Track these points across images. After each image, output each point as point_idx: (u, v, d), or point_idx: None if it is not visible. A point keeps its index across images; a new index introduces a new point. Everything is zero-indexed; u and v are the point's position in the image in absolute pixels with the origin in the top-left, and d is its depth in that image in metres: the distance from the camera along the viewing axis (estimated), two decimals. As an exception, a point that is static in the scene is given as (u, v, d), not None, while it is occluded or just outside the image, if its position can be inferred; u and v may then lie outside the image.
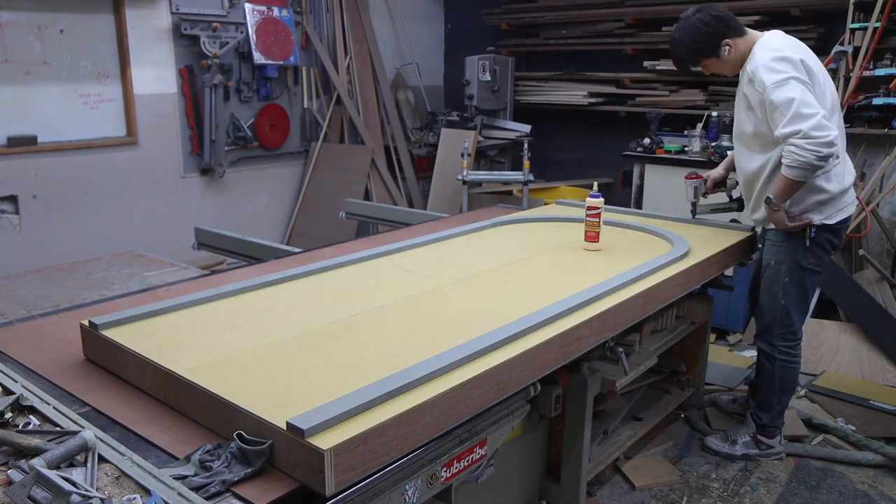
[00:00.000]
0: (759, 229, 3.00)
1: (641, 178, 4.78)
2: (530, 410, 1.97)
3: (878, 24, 4.01)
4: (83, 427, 1.43)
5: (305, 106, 5.71)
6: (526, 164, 4.73)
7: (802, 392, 3.58)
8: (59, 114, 4.37)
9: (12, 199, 4.21)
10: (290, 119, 5.57)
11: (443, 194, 5.67)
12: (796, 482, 2.87)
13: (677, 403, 3.28)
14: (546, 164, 6.06)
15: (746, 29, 2.68)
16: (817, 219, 2.66)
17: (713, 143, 4.55)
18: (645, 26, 5.29)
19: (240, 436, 1.36)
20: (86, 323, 1.84)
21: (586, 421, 2.41)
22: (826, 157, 2.41)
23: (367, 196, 5.68)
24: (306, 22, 5.62)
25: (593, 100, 5.55)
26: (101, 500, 1.17)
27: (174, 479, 1.27)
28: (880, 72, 4.07)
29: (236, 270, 2.76)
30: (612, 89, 5.52)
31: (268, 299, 2.13)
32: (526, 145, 4.84)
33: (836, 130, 2.44)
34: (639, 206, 4.76)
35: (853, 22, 4.13)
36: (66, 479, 1.19)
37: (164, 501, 1.20)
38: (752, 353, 4.18)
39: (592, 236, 2.72)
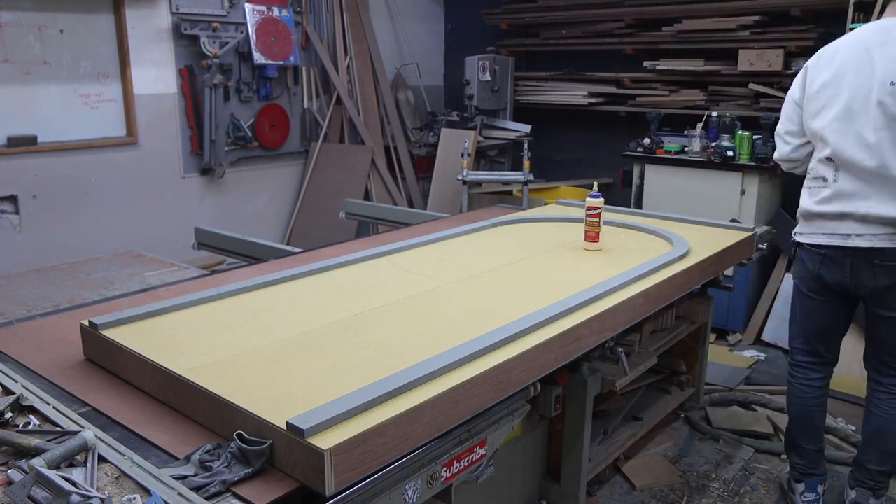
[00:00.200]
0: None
1: (641, 178, 4.78)
2: (530, 410, 1.97)
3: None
4: (83, 427, 1.43)
5: (305, 106, 5.71)
6: (526, 164, 4.74)
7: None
8: (59, 114, 4.36)
9: (12, 199, 4.21)
10: (290, 119, 5.57)
11: (443, 194, 5.67)
12: (796, 482, 2.87)
13: (677, 403, 3.28)
14: (546, 164, 6.06)
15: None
16: (795, 231, 2.57)
17: (713, 143, 4.55)
18: (645, 26, 5.29)
19: (240, 436, 1.36)
20: (86, 323, 1.84)
21: (586, 421, 2.41)
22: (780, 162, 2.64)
23: (367, 196, 5.68)
24: (306, 22, 5.62)
25: (593, 100, 5.55)
26: (101, 500, 1.17)
27: (174, 479, 1.27)
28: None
29: (236, 270, 2.76)
30: (612, 89, 5.52)
31: (268, 299, 2.13)
32: (526, 145, 4.84)
33: (786, 146, 2.55)
34: (639, 206, 4.76)
35: (853, 22, 4.13)
36: (66, 479, 1.19)
37: (164, 501, 1.20)
38: (752, 353, 4.19)
39: (592, 236, 2.72)
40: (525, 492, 2.50)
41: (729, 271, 3.12)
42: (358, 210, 4.23)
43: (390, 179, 5.82)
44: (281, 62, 5.25)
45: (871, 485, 2.56)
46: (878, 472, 2.53)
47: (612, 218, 3.16)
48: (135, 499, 1.21)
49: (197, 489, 1.25)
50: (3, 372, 1.70)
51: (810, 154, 2.49)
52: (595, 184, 2.87)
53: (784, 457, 3.03)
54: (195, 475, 1.30)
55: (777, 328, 4.29)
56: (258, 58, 5.09)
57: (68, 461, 1.30)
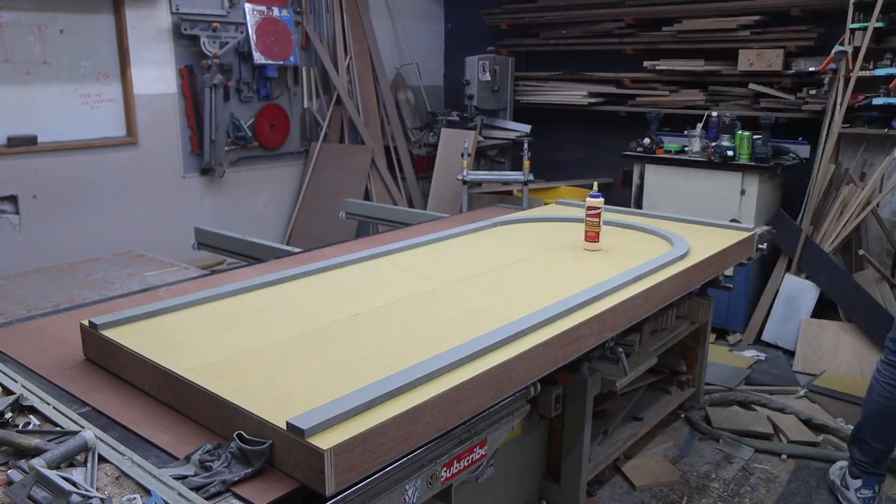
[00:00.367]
0: None
1: (641, 178, 4.78)
2: (530, 410, 1.97)
3: (878, 25, 4.01)
4: (83, 427, 1.43)
5: (305, 106, 5.71)
6: (526, 164, 4.74)
7: (802, 392, 3.59)
8: (59, 114, 4.36)
9: (12, 199, 4.21)
10: (290, 119, 5.57)
11: (443, 194, 5.67)
12: (796, 482, 2.87)
13: (677, 403, 3.28)
14: (546, 164, 6.06)
15: None
16: None
17: (713, 143, 4.55)
18: (645, 26, 5.29)
19: (240, 436, 1.36)
20: (86, 323, 1.84)
21: (586, 421, 2.41)
22: None
23: (367, 196, 5.68)
24: (306, 22, 5.62)
25: (593, 100, 5.55)
26: (101, 500, 1.17)
27: (174, 479, 1.27)
28: (880, 72, 4.06)
29: (236, 270, 2.76)
30: (612, 89, 5.52)
31: (268, 299, 2.13)
32: (526, 145, 4.84)
33: None
34: (639, 206, 4.76)
35: (853, 22, 4.13)
36: (66, 479, 1.19)
37: (164, 501, 1.20)
38: (752, 353, 4.19)
39: (592, 236, 2.72)
40: (525, 492, 2.50)
41: (729, 271, 3.12)
42: (358, 210, 4.23)
43: (390, 179, 5.82)
44: (281, 62, 5.25)
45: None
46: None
47: (612, 218, 3.16)
48: (135, 499, 1.21)
49: (197, 489, 1.25)
50: (3, 372, 1.70)
51: None
52: (595, 184, 2.87)
53: (785, 457, 3.03)
54: (195, 475, 1.30)
55: (777, 328, 4.29)
56: (258, 58, 5.09)
57: (68, 461, 1.30)
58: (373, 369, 1.59)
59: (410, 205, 5.94)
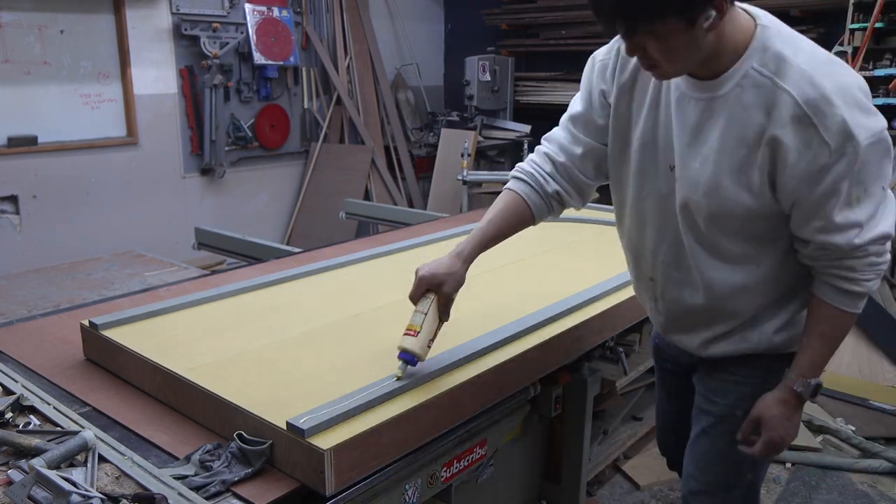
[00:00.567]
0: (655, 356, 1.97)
1: (641, 178, 4.76)
2: (530, 410, 1.97)
3: (878, 25, 4.01)
4: (83, 427, 1.43)
5: (305, 106, 5.71)
6: (526, 164, 4.73)
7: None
8: (60, 114, 4.37)
9: (12, 199, 4.21)
10: (290, 119, 5.57)
11: (443, 194, 5.67)
12: (796, 482, 2.87)
13: (677, 403, 3.28)
14: (546, 165, 6.06)
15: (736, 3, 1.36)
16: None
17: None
18: (645, 26, 5.29)
19: (240, 436, 1.36)
20: (86, 323, 1.84)
21: (586, 421, 2.41)
22: None
23: (367, 196, 5.68)
24: (306, 22, 5.62)
25: (593, 100, 5.54)
26: (101, 500, 1.17)
27: (174, 479, 1.27)
28: (880, 72, 4.06)
29: (236, 270, 2.75)
30: (612, 89, 5.51)
31: (268, 299, 2.13)
32: (526, 145, 4.84)
33: None
34: (639, 206, 4.75)
35: (853, 22, 4.13)
36: (67, 479, 1.19)
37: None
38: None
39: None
40: (525, 492, 2.50)
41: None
42: (358, 210, 4.23)
43: (390, 179, 5.82)
44: (281, 62, 5.25)
45: None
46: None
47: (612, 218, 3.15)
48: None
49: (197, 489, 1.25)
50: (3, 372, 1.70)
51: None
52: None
53: (790, 465, 3.02)
54: (195, 475, 1.30)
55: (777, 328, 4.28)
56: (258, 58, 5.09)
57: (68, 461, 1.30)
58: (373, 369, 1.59)
59: (410, 205, 5.94)
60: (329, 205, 5.48)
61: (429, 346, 1.51)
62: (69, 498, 1.14)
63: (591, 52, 1.60)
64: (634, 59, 1.38)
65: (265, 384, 1.53)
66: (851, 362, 3.83)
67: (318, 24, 5.73)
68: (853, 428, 3.21)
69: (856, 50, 4.11)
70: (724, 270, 1.43)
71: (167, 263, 3.10)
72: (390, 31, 6.40)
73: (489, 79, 5.79)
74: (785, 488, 2.83)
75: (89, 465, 1.30)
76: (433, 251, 2.73)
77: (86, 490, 1.19)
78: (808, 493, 2.80)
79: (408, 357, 1.48)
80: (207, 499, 1.23)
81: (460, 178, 4.82)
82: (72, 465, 1.30)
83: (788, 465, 3.01)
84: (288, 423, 1.30)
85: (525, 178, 1.64)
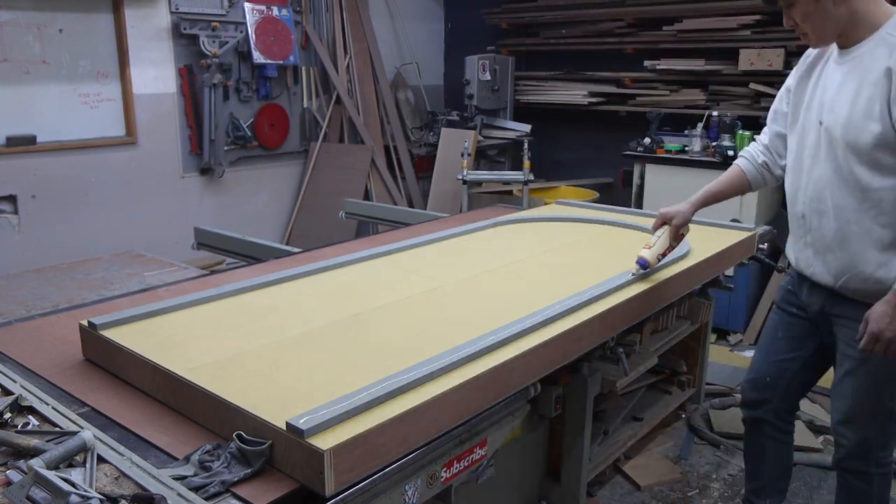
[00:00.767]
0: (802, 296, 2.19)
1: (642, 177, 4.77)
2: (530, 410, 1.96)
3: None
4: (82, 427, 1.43)
5: (305, 105, 5.70)
6: (526, 163, 4.73)
7: (803, 392, 3.58)
8: (58, 113, 4.36)
9: (11, 198, 4.20)
10: (289, 119, 5.56)
11: (443, 194, 5.67)
12: (797, 482, 2.87)
13: (677, 403, 3.28)
14: (546, 164, 6.05)
15: None
16: None
17: (714, 143, 4.55)
18: (645, 26, 5.28)
19: (239, 436, 1.35)
20: (85, 323, 1.83)
21: (586, 421, 2.41)
22: None
23: (366, 196, 5.67)
24: (306, 21, 5.62)
25: (593, 99, 5.54)
26: (100, 500, 1.17)
27: (173, 479, 1.26)
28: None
29: (236, 270, 2.75)
30: (612, 89, 5.51)
31: (268, 299, 2.13)
32: (526, 145, 4.84)
33: None
34: (639, 205, 4.76)
35: (853, 21, 4.13)
36: (65, 480, 1.19)
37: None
38: (752, 354, 4.18)
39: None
40: (525, 492, 2.50)
41: (729, 271, 3.11)
42: (358, 210, 4.22)
43: (390, 179, 5.81)
44: (280, 62, 5.24)
45: None
46: None
47: (613, 218, 3.15)
48: None
49: (196, 489, 1.25)
50: (2, 372, 1.70)
51: None
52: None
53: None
54: (195, 475, 1.29)
55: (777, 328, 4.28)
56: (258, 57, 5.08)
57: (67, 461, 1.29)
58: (373, 369, 1.58)
59: (410, 205, 5.94)
60: (329, 204, 5.47)
61: (658, 259, 2.21)
62: (68, 498, 1.14)
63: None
64: (810, 59, 2.01)
65: (265, 384, 1.53)
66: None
67: (317, 24, 5.72)
68: (853, 428, 3.21)
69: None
70: (853, 198, 1.84)
71: (166, 263, 3.10)
72: (390, 31, 6.40)
73: (489, 78, 5.79)
74: (785, 488, 2.83)
75: (88, 465, 1.30)
76: (433, 251, 2.73)
77: (85, 490, 1.18)
78: (809, 494, 2.80)
79: (643, 262, 2.17)
80: (207, 499, 1.23)
81: (460, 177, 4.81)
82: (71, 466, 1.30)
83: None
84: (287, 424, 1.30)
85: (745, 154, 2.31)
